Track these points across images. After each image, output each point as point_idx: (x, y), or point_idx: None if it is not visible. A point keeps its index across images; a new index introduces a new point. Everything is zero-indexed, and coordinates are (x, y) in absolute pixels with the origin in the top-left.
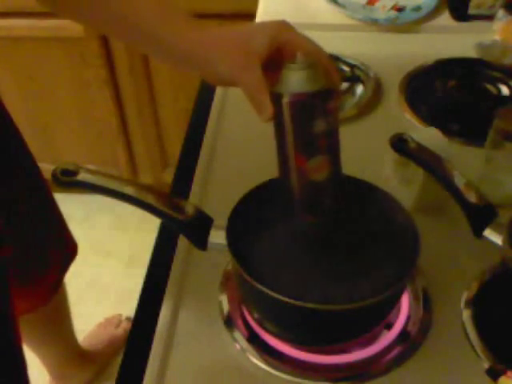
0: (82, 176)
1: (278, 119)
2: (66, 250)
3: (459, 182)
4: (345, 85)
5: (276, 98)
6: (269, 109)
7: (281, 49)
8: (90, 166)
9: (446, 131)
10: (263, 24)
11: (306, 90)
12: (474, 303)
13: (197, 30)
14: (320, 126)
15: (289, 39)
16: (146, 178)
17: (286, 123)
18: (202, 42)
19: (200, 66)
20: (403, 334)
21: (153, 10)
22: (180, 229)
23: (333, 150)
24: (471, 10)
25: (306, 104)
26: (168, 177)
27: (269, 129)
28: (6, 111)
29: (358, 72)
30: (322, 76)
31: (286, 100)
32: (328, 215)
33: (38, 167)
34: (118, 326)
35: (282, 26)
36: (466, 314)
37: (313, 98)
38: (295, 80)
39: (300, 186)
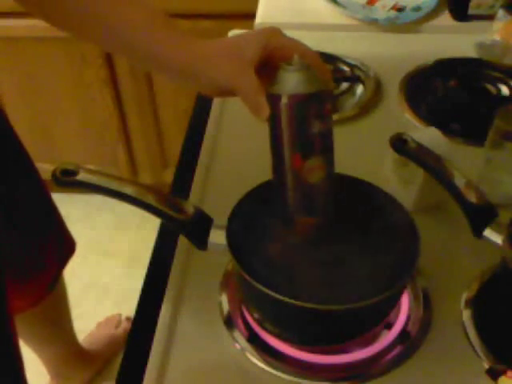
0: (82, 176)
1: (274, 121)
2: (64, 246)
3: (459, 181)
4: (345, 85)
5: (273, 99)
6: (266, 109)
7: (272, 55)
8: (90, 166)
9: (446, 131)
10: (254, 32)
11: (304, 92)
12: (474, 303)
13: (189, 43)
14: (317, 127)
15: (280, 44)
16: (145, 178)
17: (283, 124)
18: (195, 53)
19: (194, 77)
20: (403, 334)
21: (144, 24)
22: (180, 229)
23: (328, 150)
24: (471, 10)
25: (304, 105)
26: (168, 177)
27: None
28: (1, 111)
29: (357, 72)
30: (319, 77)
31: (284, 101)
32: (322, 215)
33: (34, 166)
34: (117, 325)
35: (273, 32)
36: (466, 314)
37: (311, 99)
38: (293, 81)
39: (295, 188)
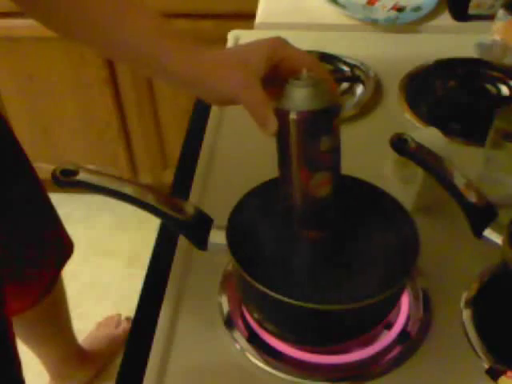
0: (82, 176)
1: (282, 135)
2: (62, 248)
3: (459, 181)
4: (345, 85)
5: (282, 115)
6: (273, 123)
7: (278, 66)
8: (90, 166)
9: (446, 131)
10: (259, 42)
11: (313, 108)
12: (474, 303)
13: (194, 52)
14: (325, 142)
15: (285, 55)
16: (145, 178)
17: (291, 140)
18: (200, 64)
19: (199, 87)
20: (403, 334)
21: (150, 32)
22: (180, 229)
23: (336, 165)
24: (471, 10)
25: (313, 121)
26: (168, 177)
27: None
28: None
29: (358, 72)
30: (328, 93)
31: (293, 117)
32: (329, 229)
33: (33, 167)
34: (117, 326)
35: (278, 43)
36: (466, 314)
37: (320, 115)
38: (302, 97)
39: (303, 202)
